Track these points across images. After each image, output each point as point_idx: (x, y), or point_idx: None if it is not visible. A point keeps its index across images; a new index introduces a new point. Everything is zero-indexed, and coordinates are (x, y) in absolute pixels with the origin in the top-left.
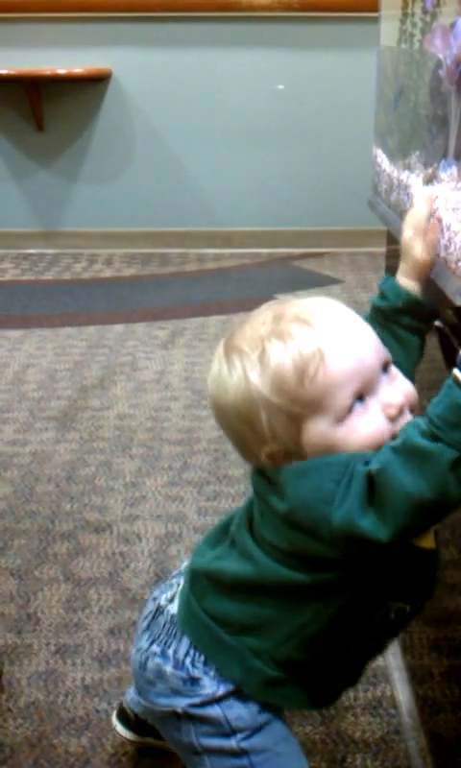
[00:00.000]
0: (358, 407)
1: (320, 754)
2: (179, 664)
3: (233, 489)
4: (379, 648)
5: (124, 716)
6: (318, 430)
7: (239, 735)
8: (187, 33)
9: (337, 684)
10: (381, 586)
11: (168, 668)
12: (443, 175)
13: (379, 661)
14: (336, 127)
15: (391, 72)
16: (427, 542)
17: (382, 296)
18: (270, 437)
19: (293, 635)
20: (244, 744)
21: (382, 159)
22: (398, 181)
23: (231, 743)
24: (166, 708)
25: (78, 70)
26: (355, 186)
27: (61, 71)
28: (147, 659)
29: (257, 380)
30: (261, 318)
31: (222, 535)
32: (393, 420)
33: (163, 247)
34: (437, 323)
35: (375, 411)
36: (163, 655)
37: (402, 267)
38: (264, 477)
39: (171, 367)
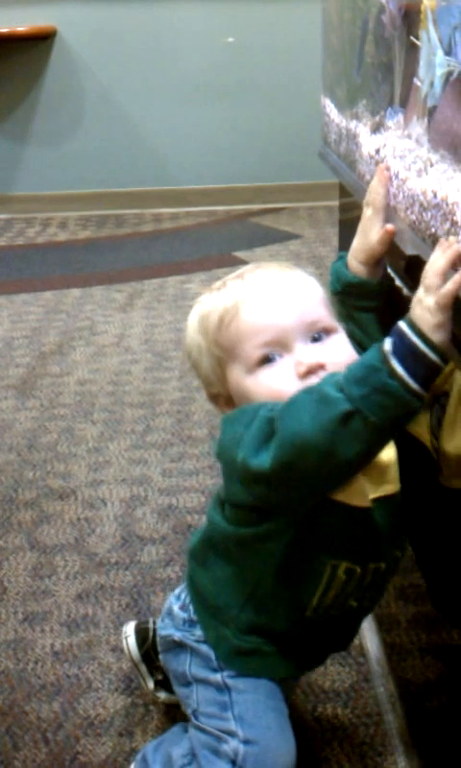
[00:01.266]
0: (274, 362)
1: (290, 706)
2: (184, 606)
3: (197, 449)
4: (345, 613)
5: (142, 635)
6: (234, 377)
7: (226, 672)
8: None
9: (313, 650)
10: (313, 542)
11: (175, 608)
12: (389, 122)
13: None
14: (288, 78)
15: (336, 20)
16: (358, 500)
17: (331, 280)
18: (204, 378)
19: (248, 597)
20: (229, 681)
21: (331, 109)
22: (346, 131)
23: (217, 677)
24: (167, 637)
25: (21, 29)
26: (310, 139)
27: (4, 30)
28: (170, 600)
29: (195, 323)
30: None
31: None
32: (302, 377)
33: (118, 208)
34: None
35: (285, 367)
36: (177, 596)
37: (354, 245)
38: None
39: (130, 330)
